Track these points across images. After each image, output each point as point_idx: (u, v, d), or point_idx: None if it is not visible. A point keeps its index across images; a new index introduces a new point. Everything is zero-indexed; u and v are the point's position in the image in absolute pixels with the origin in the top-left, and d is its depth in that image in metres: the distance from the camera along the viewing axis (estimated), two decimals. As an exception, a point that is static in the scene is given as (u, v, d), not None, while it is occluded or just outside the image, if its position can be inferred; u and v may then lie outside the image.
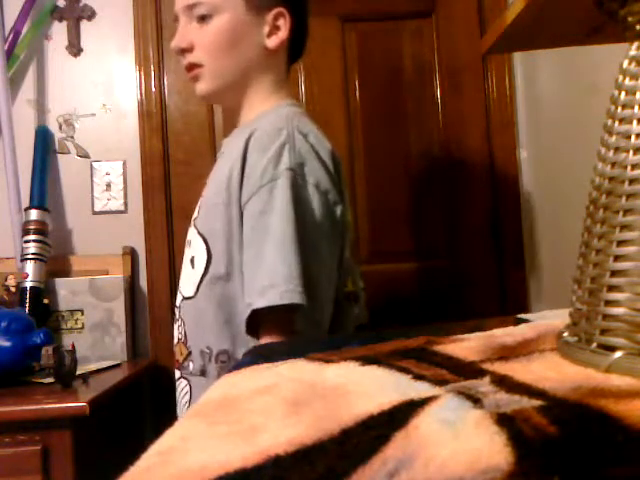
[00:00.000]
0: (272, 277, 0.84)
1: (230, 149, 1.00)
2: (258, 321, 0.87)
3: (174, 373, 1.03)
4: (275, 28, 1.00)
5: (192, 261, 0.97)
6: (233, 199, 0.92)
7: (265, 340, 0.87)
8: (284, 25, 1.00)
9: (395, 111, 1.86)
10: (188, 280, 0.98)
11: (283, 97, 1.04)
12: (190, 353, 0.96)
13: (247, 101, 1.03)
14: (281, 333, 0.86)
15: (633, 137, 0.39)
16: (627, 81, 0.40)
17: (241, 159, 0.92)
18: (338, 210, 0.93)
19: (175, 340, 1.01)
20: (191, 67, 1.01)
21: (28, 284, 1.59)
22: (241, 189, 0.91)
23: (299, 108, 1.04)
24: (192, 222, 1.00)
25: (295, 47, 1.06)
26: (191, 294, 0.96)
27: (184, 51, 1.00)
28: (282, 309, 0.84)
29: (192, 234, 0.99)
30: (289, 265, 0.84)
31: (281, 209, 0.86)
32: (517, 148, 1.84)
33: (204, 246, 0.94)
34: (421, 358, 0.45)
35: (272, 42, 1.00)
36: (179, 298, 1.00)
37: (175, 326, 1.01)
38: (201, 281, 0.94)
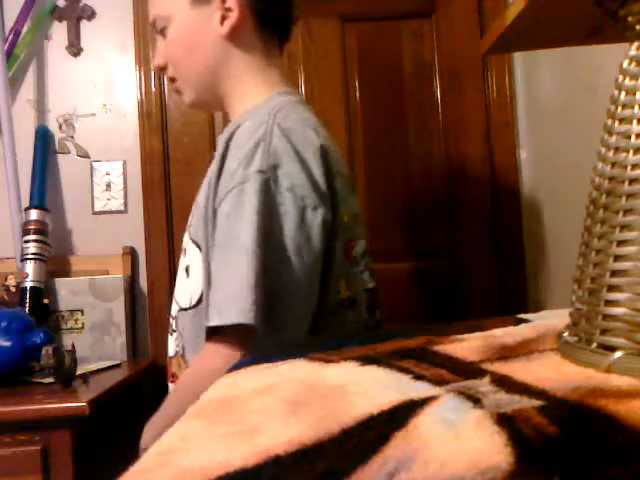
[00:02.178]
0: (226, 292, 0.78)
1: (217, 148, 0.92)
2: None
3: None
4: (227, 11, 0.92)
5: (187, 270, 0.91)
6: (211, 201, 0.86)
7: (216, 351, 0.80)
8: (234, 5, 0.91)
9: (395, 111, 1.85)
10: (184, 290, 0.91)
11: (274, 85, 0.95)
12: None
13: (231, 97, 0.96)
14: (236, 347, 0.78)
15: (633, 137, 0.39)
16: (627, 81, 0.40)
17: (221, 159, 0.86)
18: (319, 214, 0.83)
19: (171, 353, 0.93)
20: (170, 80, 1.00)
21: (28, 284, 1.59)
22: (217, 190, 0.85)
23: (292, 96, 0.94)
24: (187, 229, 0.94)
25: (275, 22, 0.97)
26: (187, 304, 0.90)
27: (162, 68, 0.99)
28: (233, 325, 0.77)
29: (186, 241, 0.93)
30: (240, 280, 0.77)
31: (245, 216, 0.79)
32: (517, 148, 1.84)
33: (199, 254, 0.88)
34: (421, 358, 0.45)
35: (225, 27, 0.92)
36: (175, 308, 0.93)
37: (171, 338, 0.94)
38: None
